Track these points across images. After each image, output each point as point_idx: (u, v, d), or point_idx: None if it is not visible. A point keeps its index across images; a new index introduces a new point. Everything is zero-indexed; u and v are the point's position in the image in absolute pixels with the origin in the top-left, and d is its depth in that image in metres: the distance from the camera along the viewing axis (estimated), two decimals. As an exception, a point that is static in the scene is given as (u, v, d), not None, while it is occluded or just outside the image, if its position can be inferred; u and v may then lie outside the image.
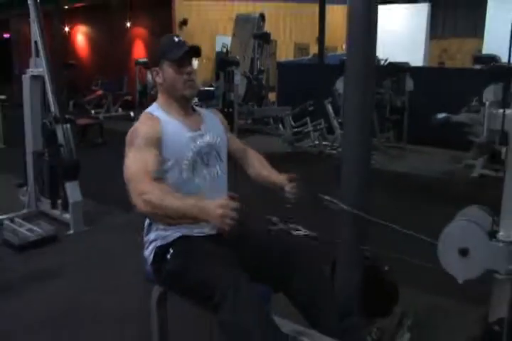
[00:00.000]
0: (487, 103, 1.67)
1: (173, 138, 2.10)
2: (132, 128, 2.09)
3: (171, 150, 2.08)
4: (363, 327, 2.04)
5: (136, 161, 1.97)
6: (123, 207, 5.14)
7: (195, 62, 2.31)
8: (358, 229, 2.45)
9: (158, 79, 2.19)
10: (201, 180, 2.14)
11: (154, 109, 2.21)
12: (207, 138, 2.20)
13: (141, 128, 2.08)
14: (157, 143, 2.04)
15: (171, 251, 2.08)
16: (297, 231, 1.84)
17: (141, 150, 2.00)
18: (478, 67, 8.97)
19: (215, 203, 1.73)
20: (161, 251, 2.11)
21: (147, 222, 2.19)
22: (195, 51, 2.17)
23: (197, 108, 2.34)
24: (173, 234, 2.11)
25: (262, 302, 1.89)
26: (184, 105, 2.22)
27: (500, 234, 1.70)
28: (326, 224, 2.13)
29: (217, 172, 2.21)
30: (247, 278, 1.85)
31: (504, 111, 1.70)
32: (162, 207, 1.81)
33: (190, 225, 2.05)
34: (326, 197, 2.22)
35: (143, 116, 2.19)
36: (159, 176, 1.97)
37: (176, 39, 2.17)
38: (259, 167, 2.42)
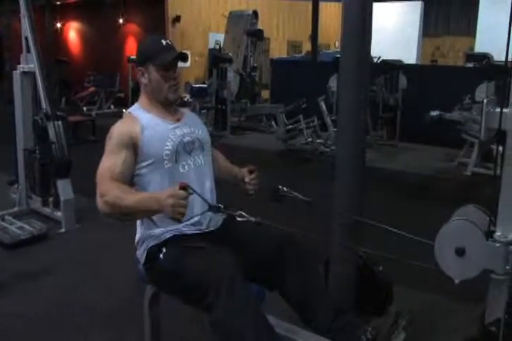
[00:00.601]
0: (484, 101, 1.65)
1: (152, 131, 2.12)
2: (110, 129, 2.12)
3: (151, 142, 2.09)
4: (357, 326, 2.02)
5: (104, 164, 2.03)
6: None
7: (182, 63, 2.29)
8: (350, 228, 2.45)
9: (144, 80, 2.19)
10: (185, 168, 2.14)
11: (135, 108, 2.23)
12: (187, 129, 2.22)
13: (116, 128, 2.12)
14: (130, 143, 2.07)
15: (164, 250, 2.07)
16: (240, 218, 1.88)
17: (111, 153, 2.05)
18: (470, 65, 9.00)
19: (166, 193, 1.79)
20: (153, 251, 2.09)
21: (139, 221, 2.17)
22: (183, 57, 2.19)
23: (179, 108, 2.36)
24: (165, 233, 2.10)
25: (255, 302, 1.87)
26: (166, 107, 2.24)
27: (497, 234, 1.69)
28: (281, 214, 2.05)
29: (201, 162, 2.21)
30: (241, 277, 1.83)
31: (501, 110, 1.69)
32: (120, 205, 1.88)
33: (182, 223, 2.02)
34: (285, 189, 2.28)
35: (123, 116, 2.23)
36: (123, 177, 2.02)
37: (164, 42, 2.17)
38: (222, 162, 2.48)
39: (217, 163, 2.41)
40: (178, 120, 2.24)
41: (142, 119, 2.14)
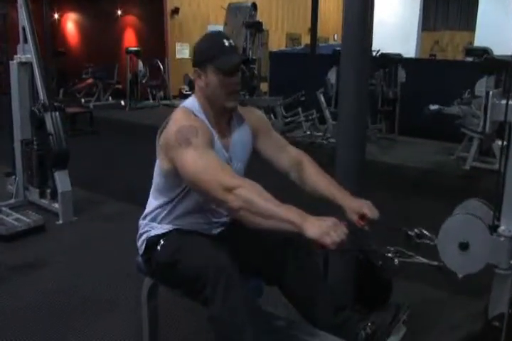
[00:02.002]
0: (490, 93, 1.63)
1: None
2: (179, 125, 1.88)
3: None
4: (356, 321, 2.00)
5: (203, 158, 1.79)
6: (113, 196, 5.10)
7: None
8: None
9: (200, 83, 1.99)
10: None
11: (197, 109, 2.02)
12: (231, 153, 2.07)
13: (193, 126, 1.88)
14: (210, 141, 1.90)
15: (162, 242, 2.04)
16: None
17: (204, 148, 1.83)
18: (469, 59, 8.96)
19: (327, 219, 1.59)
20: (152, 242, 2.07)
21: (145, 212, 2.14)
22: (245, 62, 2.03)
23: (237, 112, 2.13)
24: (166, 225, 2.08)
25: (252, 297, 1.85)
26: (223, 114, 2.05)
27: (501, 229, 1.67)
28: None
29: None
30: (238, 273, 1.81)
31: (507, 102, 1.66)
32: (258, 204, 1.65)
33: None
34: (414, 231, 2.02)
35: (188, 115, 1.97)
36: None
37: (227, 43, 1.95)
38: (316, 176, 2.12)
39: (305, 176, 2.13)
40: (229, 135, 2.08)
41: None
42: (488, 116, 1.58)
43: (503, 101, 1.67)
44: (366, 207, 1.93)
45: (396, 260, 2.28)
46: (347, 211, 1.95)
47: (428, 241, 1.96)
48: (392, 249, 2.11)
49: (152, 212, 2.12)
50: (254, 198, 1.65)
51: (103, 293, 3.17)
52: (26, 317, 2.91)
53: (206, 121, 2.00)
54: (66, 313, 2.94)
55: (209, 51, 1.96)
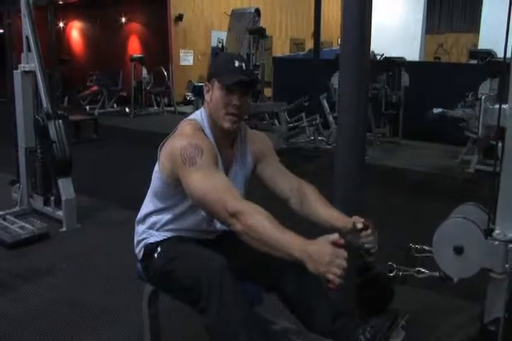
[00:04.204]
0: (482, 98, 1.62)
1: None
2: (187, 142, 1.88)
3: None
4: (356, 326, 2.00)
5: (208, 179, 1.80)
6: (117, 203, 5.13)
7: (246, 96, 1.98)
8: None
9: (207, 97, 2.02)
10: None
11: (205, 125, 2.03)
12: (234, 177, 2.09)
13: (196, 143, 1.87)
14: (215, 161, 1.90)
15: (159, 249, 2.05)
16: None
17: (210, 169, 1.83)
18: (473, 61, 8.96)
19: (325, 249, 1.52)
20: (149, 249, 2.08)
21: (140, 217, 2.16)
22: (250, 84, 1.98)
23: (240, 135, 2.14)
24: (164, 232, 2.09)
25: (248, 305, 1.84)
26: (225, 135, 2.05)
27: (496, 233, 1.67)
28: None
29: None
30: (234, 279, 1.81)
31: (500, 106, 1.66)
32: (262, 233, 1.64)
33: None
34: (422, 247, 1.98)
35: (197, 132, 1.97)
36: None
37: (237, 64, 1.95)
38: (315, 203, 2.08)
39: (308, 202, 2.09)
40: (231, 159, 2.09)
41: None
42: (480, 120, 1.58)
43: (496, 106, 1.67)
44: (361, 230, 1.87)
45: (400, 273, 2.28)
46: (345, 230, 1.91)
47: (428, 254, 1.94)
48: (394, 265, 2.11)
49: (149, 216, 2.12)
50: (257, 225, 1.65)
51: (106, 301, 3.18)
52: (28, 323, 2.92)
53: (212, 141, 2.00)
54: (69, 321, 2.95)
55: (218, 66, 2.02)
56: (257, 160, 2.17)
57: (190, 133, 1.95)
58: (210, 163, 1.84)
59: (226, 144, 2.08)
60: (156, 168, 2.05)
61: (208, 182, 1.78)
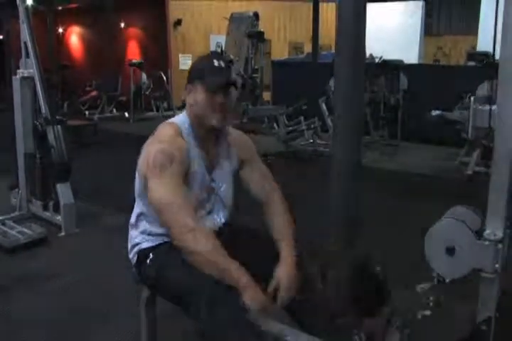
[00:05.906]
0: (471, 99, 1.62)
1: (195, 176, 2.03)
2: (161, 148, 1.95)
3: (191, 184, 2.02)
4: (351, 327, 2.01)
5: (170, 191, 1.88)
6: (115, 208, 5.13)
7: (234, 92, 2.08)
8: (347, 229, 2.44)
9: (189, 100, 2.05)
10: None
11: (186, 126, 2.07)
12: (216, 179, 2.14)
13: (169, 151, 1.93)
14: (182, 169, 1.96)
15: (151, 255, 2.07)
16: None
17: (175, 181, 1.90)
18: (472, 64, 8.97)
19: (256, 294, 1.82)
20: (142, 255, 2.10)
21: (132, 221, 2.17)
22: (233, 83, 2.05)
23: (224, 134, 2.19)
24: (156, 237, 2.10)
25: (239, 312, 1.83)
26: (210, 133, 2.10)
27: (487, 233, 1.68)
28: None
29: (219, 219, 2.17)
30: (224, 287, 1.82)
31: (490, 108, 1.68)
32: (209, 255, 1.81)
33: None
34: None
35: (174, 136, 2.01)
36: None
37: (216, 63, 2.02)
38: (276, 224, 2.17)
39: (268, 212, 2.21)
40: (215, 156, 2.14)
41: (190, 151, 2.01)
42: (470, 122, 1.58)
43: (486, 107, 1.69)
44: (284, 284, 1.97)
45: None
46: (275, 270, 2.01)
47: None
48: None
49: (140, 220, 2.13)
50: (202, 248, 1.81)
51: (105, 305, 3.19)
52: (26, 328, 2.94)
53: (192, 142, 2.04)
54: (67, 325, 2.97)
55: (199, 70, 2.05)
56: (242, 164, 2.23)
57: (166, 140, 1.99)
58: (177, 175, 1.92)
59: (210, 143, 2.12)
60: (136, 170, 2.09)
61: (169, 195, 1.88)
